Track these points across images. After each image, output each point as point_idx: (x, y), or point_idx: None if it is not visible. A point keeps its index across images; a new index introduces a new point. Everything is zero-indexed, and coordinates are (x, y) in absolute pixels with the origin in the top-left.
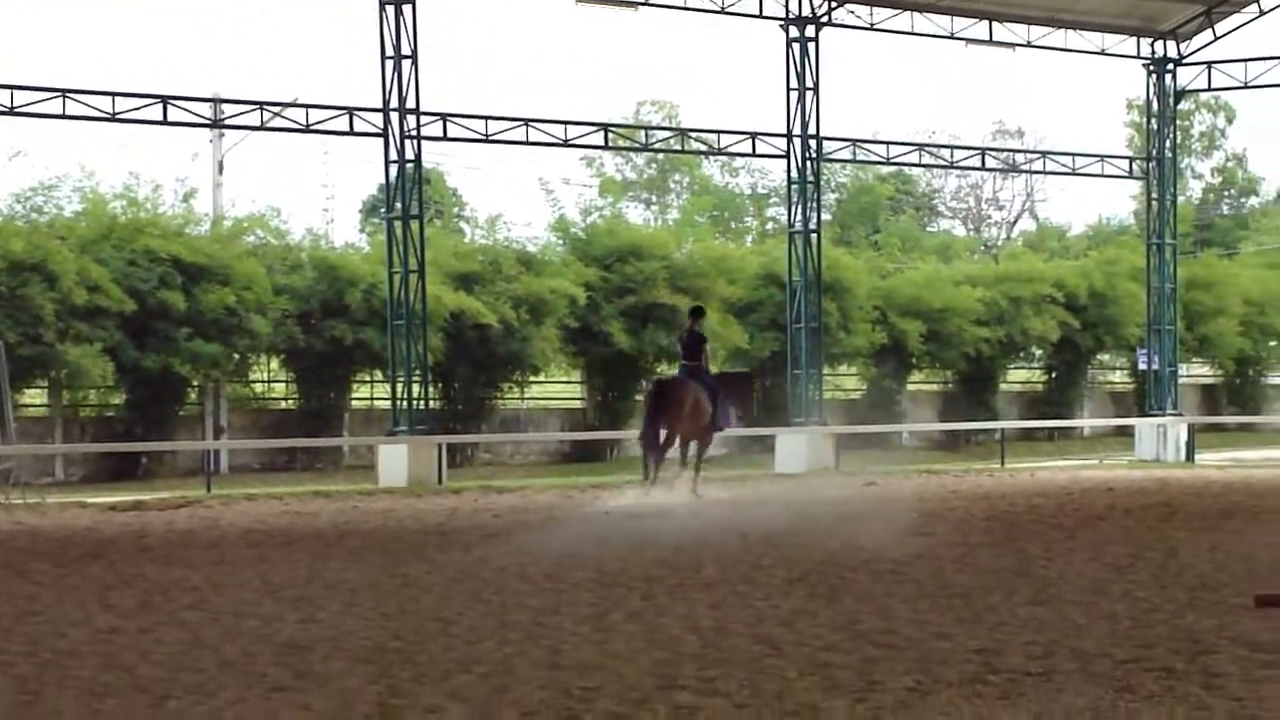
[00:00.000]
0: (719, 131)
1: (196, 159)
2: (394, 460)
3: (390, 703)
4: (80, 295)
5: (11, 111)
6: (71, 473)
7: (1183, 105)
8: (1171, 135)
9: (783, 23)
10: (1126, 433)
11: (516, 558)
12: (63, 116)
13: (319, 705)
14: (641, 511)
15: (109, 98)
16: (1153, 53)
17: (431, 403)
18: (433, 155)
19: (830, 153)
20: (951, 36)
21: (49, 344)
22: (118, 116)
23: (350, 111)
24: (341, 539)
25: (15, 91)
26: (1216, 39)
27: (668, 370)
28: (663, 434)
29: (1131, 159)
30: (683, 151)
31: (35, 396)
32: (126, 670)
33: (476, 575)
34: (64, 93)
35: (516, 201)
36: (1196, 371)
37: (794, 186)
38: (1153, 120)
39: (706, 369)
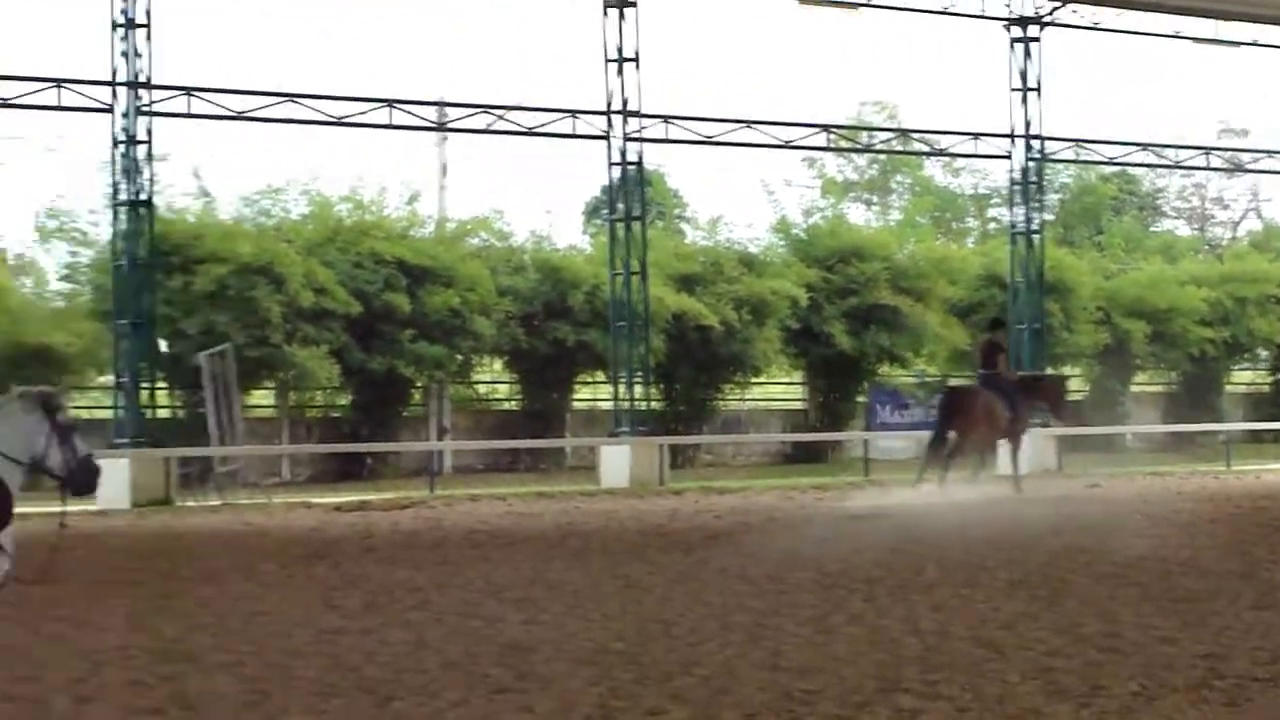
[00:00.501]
0: (940, 132)
1: (422, 162)
2: (616, 461)
3: (612, 704)
4: (307, 297)
5: (241, 116)
6: (298, 473)
7: None
8: None
9: (1005, 23)
10: None
11: (738, 559)
12: (290, 121)
13: (541, 707)
14: (868, 513)
15: (336, 102)
16: None
17: (653, 404)
18: (654, 157)
19: (1053, 153)
20: (1177, 36)
21: (276, 346)
22: (344, 121)
23: (573, 114)
24: (564, 540)
25: (244, 96)
26: None
27: (891, 372)
28: (950, 439)
29: None
30: (904, 152)
31: (262, 398)
32: (352, 671)
33: (697, 577)
34: (291, 97)
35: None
36: None
37: (1016, 187)
38: None
39: (1004, 376)
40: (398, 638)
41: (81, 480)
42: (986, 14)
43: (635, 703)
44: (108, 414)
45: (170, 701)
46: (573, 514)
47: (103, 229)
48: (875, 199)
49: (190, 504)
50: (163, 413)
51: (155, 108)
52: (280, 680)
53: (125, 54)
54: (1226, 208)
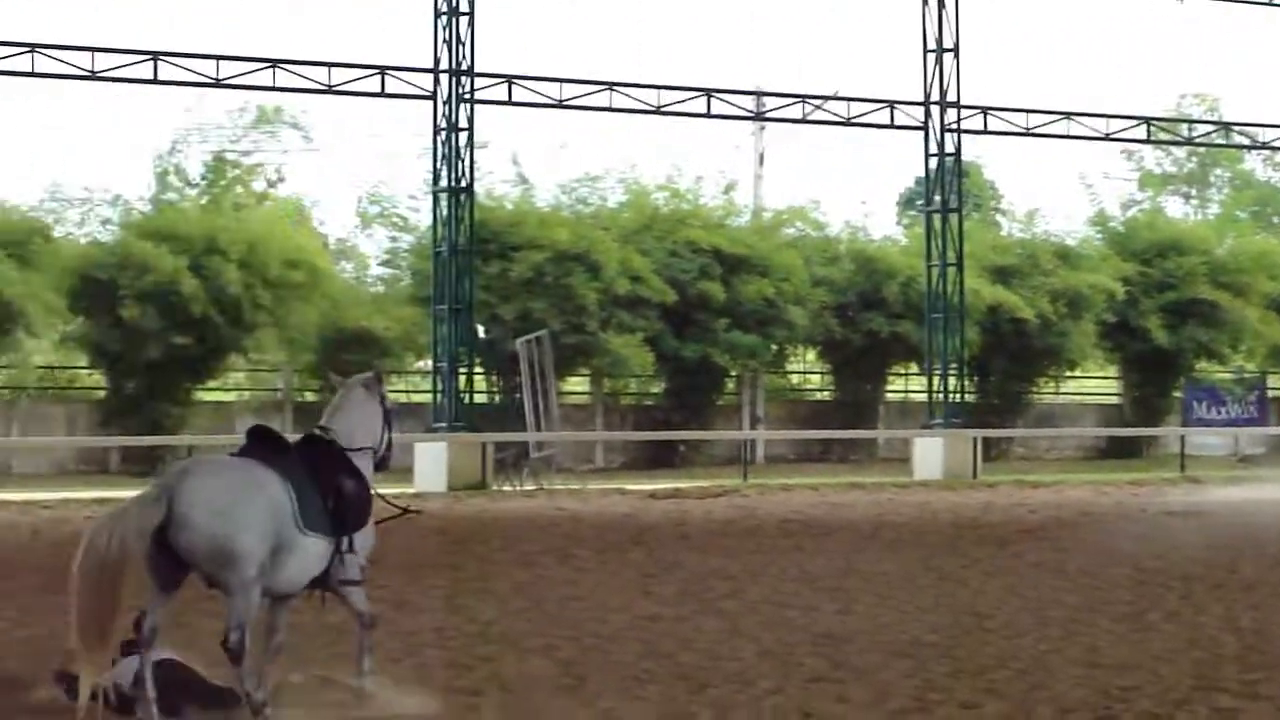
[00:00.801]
0: (1263, 125)
1: (738, 150)
2: (929, 453)
3: (927, 697)
4: (623, 285)
5: (560, 104)
6: (611, 459)
7: None
8: None
9: None
10: None
11: (1052, 554)
12: (609, 109)
13: (857, 697)
14: (1184, 509)
15: (654, 90)
16: None
17: (967, 396)
18: (972, 148)
19: None
20: None
21: (592, 333)
22: (662, 109)
23: (890, 105)
24: (876, 531)
25: (564, 85)
26: None
27: (1208, 368)
28: None
29: None
30: (1225, 145)
31: (578, 384)
32: (667, 657)
33: (1012, 571)
34: (610, 85)
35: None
36: None
37: None
38: None
39: None
40: (712, 625)
41: (384, 467)
42: None
43: (950, 695)
44: (426, 398)
45: (488, 683)
46: (885, 505)
47: (423, 215)
48: (1194, 192)
49: (505, 488)
50: (480, 398)
51: (476, 95)
52: (596, 665)
53: (448, 42)
54: None
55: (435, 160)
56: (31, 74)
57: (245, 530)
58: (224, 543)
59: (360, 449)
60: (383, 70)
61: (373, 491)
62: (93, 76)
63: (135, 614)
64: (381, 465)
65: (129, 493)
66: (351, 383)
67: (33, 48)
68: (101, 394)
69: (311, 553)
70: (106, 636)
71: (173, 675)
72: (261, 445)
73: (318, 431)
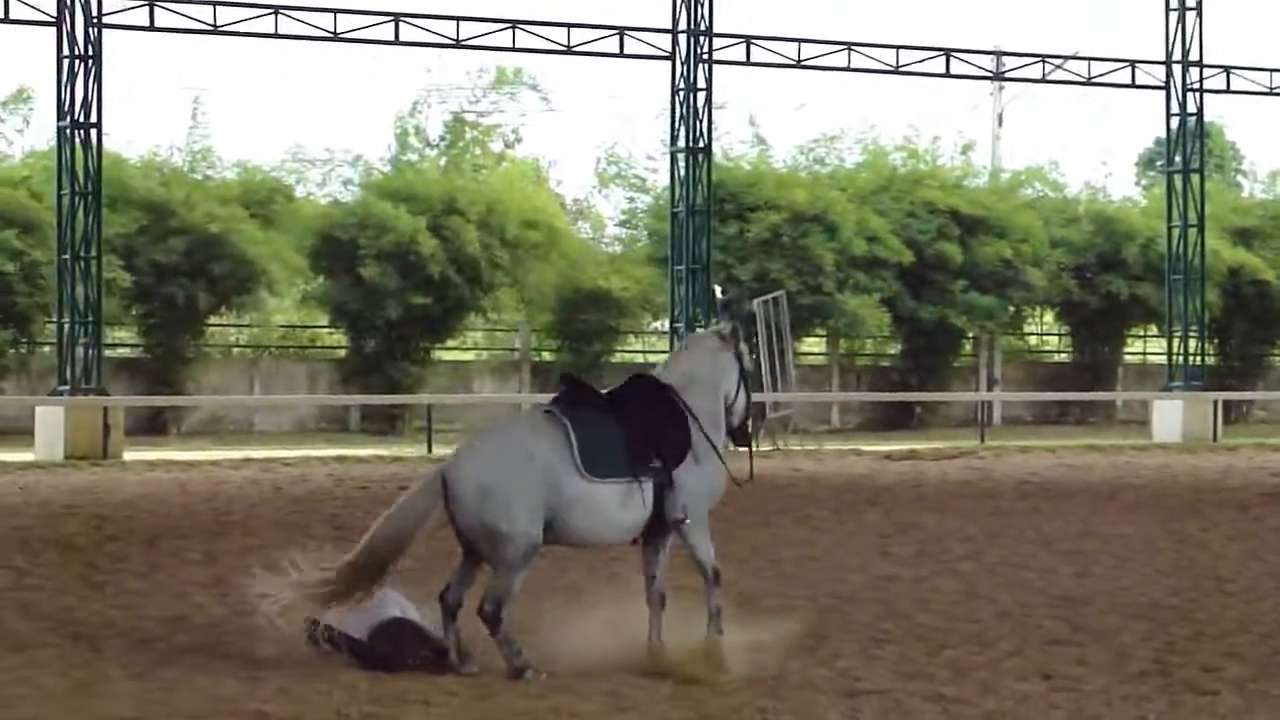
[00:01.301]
0: None
1: (975, 111)
2: (1168, 416)
3: (1167, 660)
4: (859, 245)
5: (798, 65)
6: (847, 420)
7: None
8: None
9: None
10: None
11: None
12: (847, 69)
13: (1096, 659)
14: None
15: (892, 50)
16: None
17: (1207, 359)
18: (1214, 108)
19: None
20: None
21: (828, 293)
22: (900, 69)
23: (1132, 64)
24: (1115, 494)
25: (802, 45)
26: None
27: None
28: None
29: None
30: None
31: (814, 345)
32: (904, 618)
33: (1254, 535)
34: (849, 45)
35: None
36: None
37: None
38: None
39: None
40: (949, 586)
41: (743, 434)
42: None
43: (1190, 659)
44: (662, 359)
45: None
46: (1123, 468)
47: (660, 175)
48: None
49: (741, 449)
50: None
51: (715, 56)
52: (834, 625)
53: (687, 3)
54: None
55: (673, 121)
56: (275, 35)
57: (512, 511)
58: (491, 524)
59: (699, 402)
60: (621, 31)
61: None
62: (335, 38)
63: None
64: (740, 432)
65: (369, 451)
66: (705, 333)
67: (276, 10)
68: (342, 353)
69: (604, 500)
70: (364, 594)
71: (401, 632)
72: (568, 394)
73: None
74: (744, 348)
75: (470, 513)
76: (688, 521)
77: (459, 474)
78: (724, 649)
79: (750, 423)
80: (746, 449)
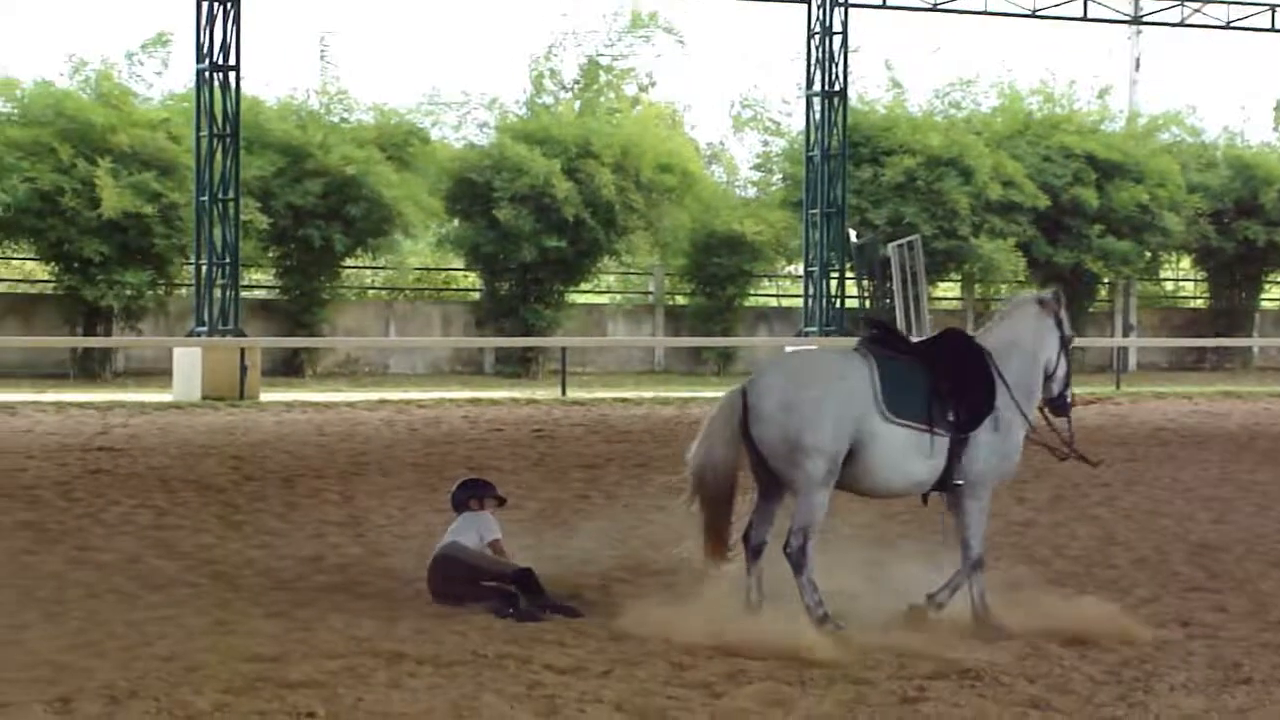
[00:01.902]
0: None
1: (1112, 55)
2: None
3: None
4: (995, 190)
5: (934, 8)
6: None
7: None
8: None
9: None
10: None
11: None
12: (984, 13)
13: (1235, 606)
14: None
15: None
16: None
17: None
18: None
19: None
20: None
21: (963, 238)
22: (1038, 13)
23: (1271, 8)
24: (1252, 441)
25: None
26: None
27: None
28: None
29: None
30: None
31: (948, 289)
32: (1042, 564)
33: None
34: None
35: None
36: None
37: None
38: None
39: None
40: (1086, 532)
41: (1063, 404)
42: None
43: None
44: (796, 303)
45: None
46: (1261, 415)
47: (795, 119)
48: None
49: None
50: (850, 302)
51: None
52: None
53: None
54: None
55: (808, 64)
56: None
57: (816, 423)
58: (793, 436)
59: (1015, 370)
60: None
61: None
62: None
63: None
64: (1059, 401)
65: (503, 393)
66: (1024, 298)
67: None
68: (476, 295)
69: (898, 444)
70: (723, 543)
71: (532, 581)
72: (876, 336)
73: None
74: (1064, 314)
75: (774, 426)
76: (965, 489)
77: (762, 388)
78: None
79: (1071, 393)
80: (1066, 419)
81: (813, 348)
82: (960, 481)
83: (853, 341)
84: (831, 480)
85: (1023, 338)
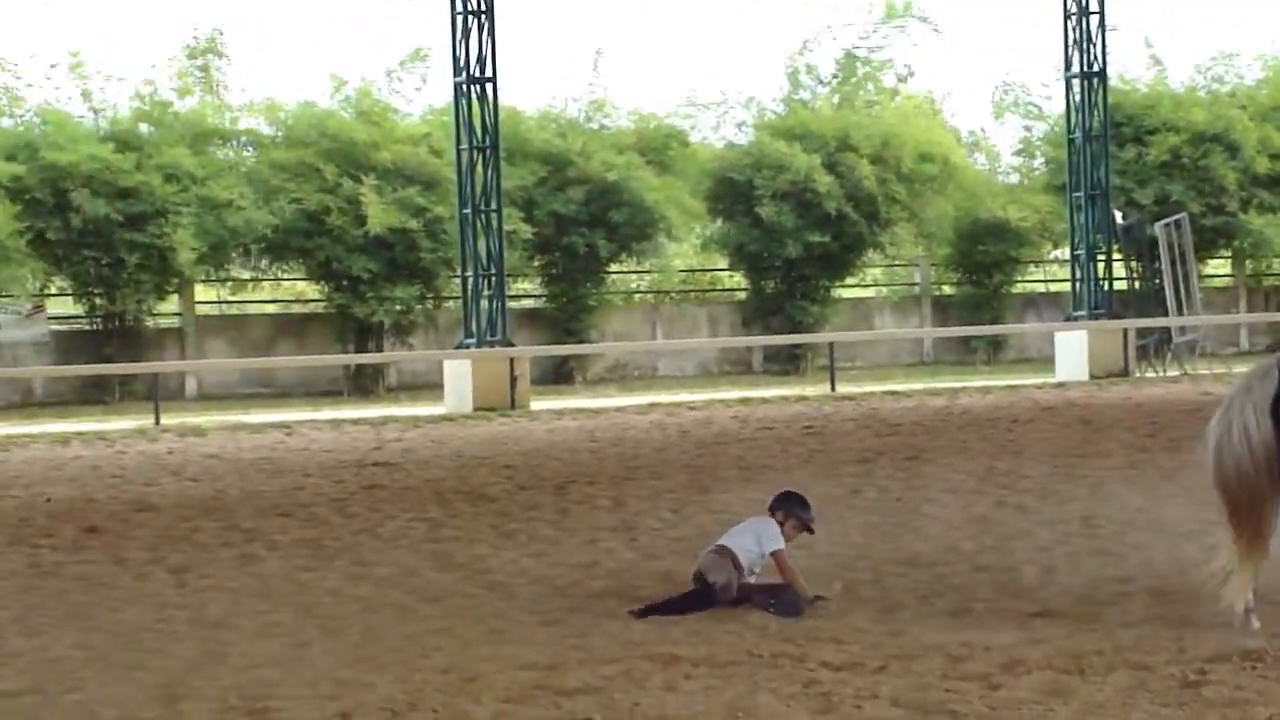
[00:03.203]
0: None
1: None
2: None
3: None
4: (1262, 164)
5: None
6: (1255, 342)
7: None
8: None
9: None
10: None
11: None
12: None
13: None
14: None
15: None
16: None
17: None
18: None
19: None
20: None
21: (1232, 214)
22: None
23: None
24: None
25: None
26: None
27: None
28: None
29: None
30: None
31: (1218, 267)
32: None
33: None
34: None
35: None
36: None
37: None
38: None
39: None
40: None
41: None
42: None
43: None
44: (1064, 287)
45: (1139, 569)
46: None
47: (1055, 102)
48: None
49: (1148, 374)
50: (1119, 284)
51: None
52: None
53: None
54: None
55: (1066, 46)
56: None
57: None
58: None
59: None
60: None
61: None
62: None
63: None
64: None
65: (773, 391)
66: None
67: None
68: (742, 294)
69: None
70: (1261, 536)
71: (727, 556)
72: None
73: None
74: None
75: None
76: None
77: None
78: None
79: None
80: None
81: None
82: None
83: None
84: None
85: None
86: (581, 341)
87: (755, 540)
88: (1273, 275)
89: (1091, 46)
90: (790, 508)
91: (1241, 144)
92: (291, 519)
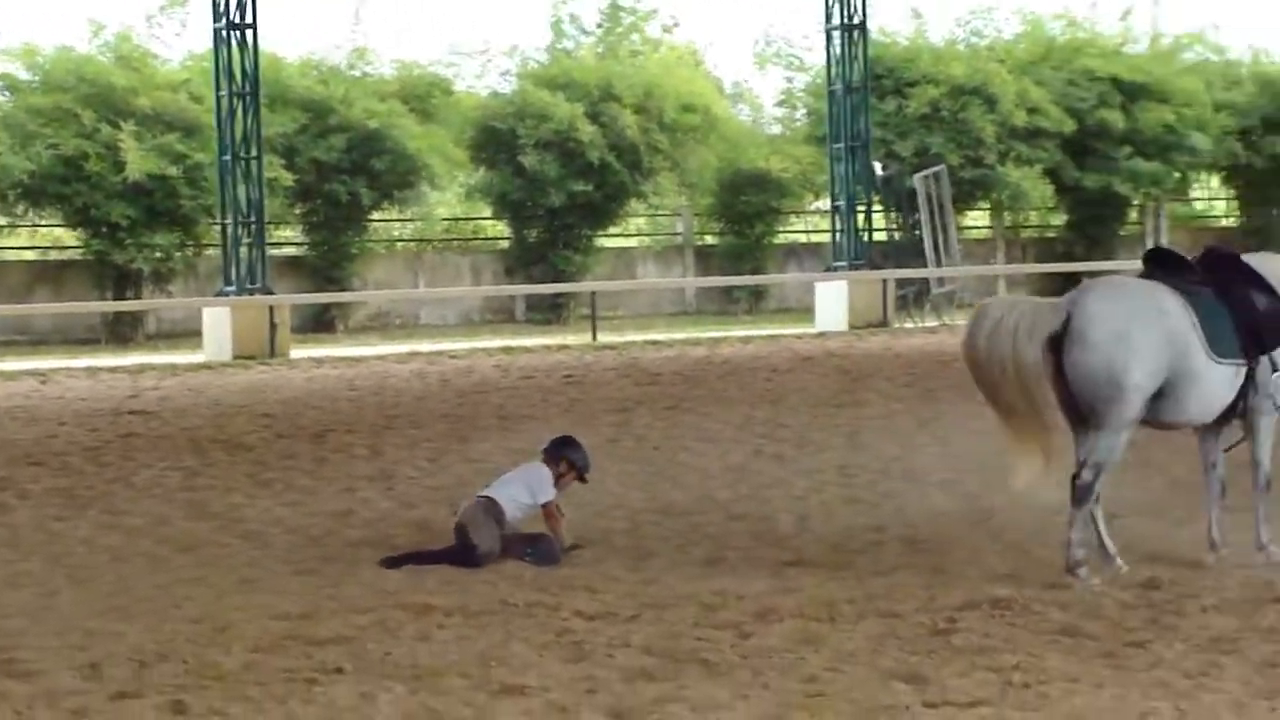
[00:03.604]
0: None
1: None
2: None
3: None
4: (1020, 117)
5: None
6: (1013, 293)
7: None
8: None
9: None
10: None
11: None
12: None
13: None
14: None
15: None
16: None
17: None
18: None
19: None
20: None
21: (990, 166)
22: None
23: None
24: None
25: None
26: None
27: None
28: None
29: None
30: None
31: (977, 218)
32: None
33: None
34: None
35: None
36: None
37: None
38: None
39: None
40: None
41: None
42: None
43: None
44: (824, 238)
45: (891, 519)
46: None
47: (817, 54)
48: None
49: (907, 325)
50: (879, 235)
51: None
52: (1002, 501)
53: None
54: None
55: None
56: None
57: (1139, 362)
58: (1117, 370)
59: None
60: None
61: None
62: None
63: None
64: None
65: (535, 340)
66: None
67: None
68: (504, 243)
69: (1218, 380)
70: (1023, 421)
71: (493, 512)
72: (1161, 267)
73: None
74: None
75: (1100, 355)
76: (1261, 409)
77: (1092, 314)
78: None
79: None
80: None
81: (1121, 277)
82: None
83: (1118, 270)
84: (1138, 419)
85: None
86: (343, 290)
87: (527, 490)
88: (1029, 227)
89: None
90: (569, 454)
91: (1000, 97)
92: (44, 468)
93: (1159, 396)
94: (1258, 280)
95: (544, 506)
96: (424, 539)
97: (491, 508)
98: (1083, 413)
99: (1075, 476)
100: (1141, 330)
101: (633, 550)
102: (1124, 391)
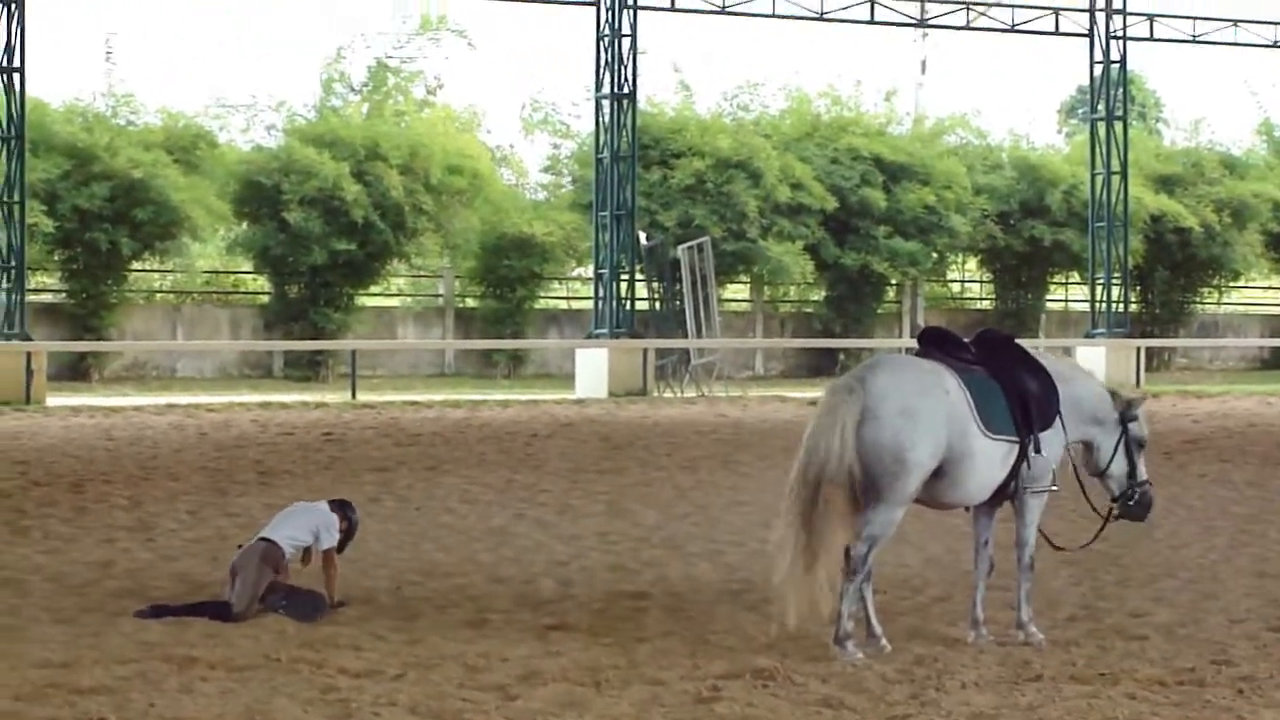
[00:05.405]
0: None
1: (899, 58)
2: (1091, 363)
3: (1096, 605)
4: (783, 192)
5: (723, 10)
6: (770, 367)
7: None
8: None
9: None
10: None
11: (1217, 464)
12: (772, 16)
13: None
14: None
15: None
16: None
17: (1130, 306)
18: (1136, 56)
19: None
20: None
21: (752, 240)
22: (825, 16)
23: (1056, 12)
24: None
25: None
26: None
27: None
28: None
29: None
30: None
31: (738, 291)
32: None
33: (1177, 481)
34: None
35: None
36: None
37: None
38: None
39: None
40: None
41: (1139, 512)
42: None
43: (1120, 604)
44: (587, 305)
45: (653, 586)
46: None
47: (584, 121)
48: None
49: (666, 394)
50: (640, 304)
51: (639, 1)
52: (762, 570)
53: None
54: None
55: (598, 67)
56: None
57: (923, 439)
58: (905, 445)
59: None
60: None
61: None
62: None
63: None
64: (1128, 512)
65: (293, 396)
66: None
67: None
68: (265, 299)
69: (993, 457)
70: (825, 545)
71: (270, 559)
72: (938, 347)
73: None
74: (1135, 412)
75: (888, 431)
76: (1029, 489)
77: (882, 390)
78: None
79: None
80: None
81: (904, 356)
82: (1052, 484)
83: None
84: (915, 496)
85: (1086, 397)
86: (101, 339)
87: (310, 531)
88: (789, 302)
89: (623, 68)
90: (346, 512)
91: (764, 172)
92: None
93: (938, 476)
94: (1029, 362)
95: (325, 553)
96: (185, 591)
97: (270, 553)
98: (863, 487)
99: (848, 550)
100: (927, 407)
101: (397, 610)
102: (906, 467)
